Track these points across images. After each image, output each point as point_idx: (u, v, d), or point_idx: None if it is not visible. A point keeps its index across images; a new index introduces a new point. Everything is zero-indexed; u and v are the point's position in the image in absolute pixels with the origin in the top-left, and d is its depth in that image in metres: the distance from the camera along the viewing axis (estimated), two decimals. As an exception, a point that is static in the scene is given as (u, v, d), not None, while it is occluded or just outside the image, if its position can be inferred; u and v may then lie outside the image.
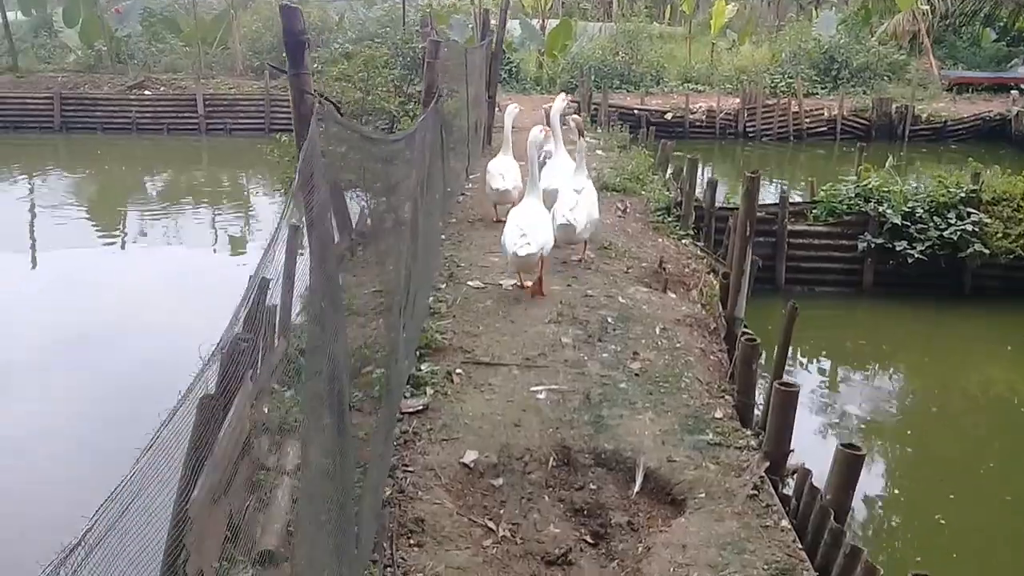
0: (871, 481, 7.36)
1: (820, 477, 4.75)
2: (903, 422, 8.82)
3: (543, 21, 30.56)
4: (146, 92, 23.44)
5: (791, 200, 11.58)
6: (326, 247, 3.36)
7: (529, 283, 7.92)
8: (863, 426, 8.55)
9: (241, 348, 4.19)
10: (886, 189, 11.21)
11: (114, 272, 13.20)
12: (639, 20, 29.10)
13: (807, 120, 23.22)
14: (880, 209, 11.03)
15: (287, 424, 5.64)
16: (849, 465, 4.24)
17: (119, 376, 8.82)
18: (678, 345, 6.92)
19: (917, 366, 10.20)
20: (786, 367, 6.01)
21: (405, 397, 5.87)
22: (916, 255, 10.77)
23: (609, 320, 7.24)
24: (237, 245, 14.82)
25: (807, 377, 9.84)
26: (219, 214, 16.99)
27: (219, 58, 26.03)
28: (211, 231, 15.94)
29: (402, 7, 19.70)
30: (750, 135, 23.18)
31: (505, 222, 7.93)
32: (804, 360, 10.58)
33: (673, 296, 8.33)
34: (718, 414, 5.78)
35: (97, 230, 16.04)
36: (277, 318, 7.04)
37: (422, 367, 6.30)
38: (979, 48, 30.56)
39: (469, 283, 8.21)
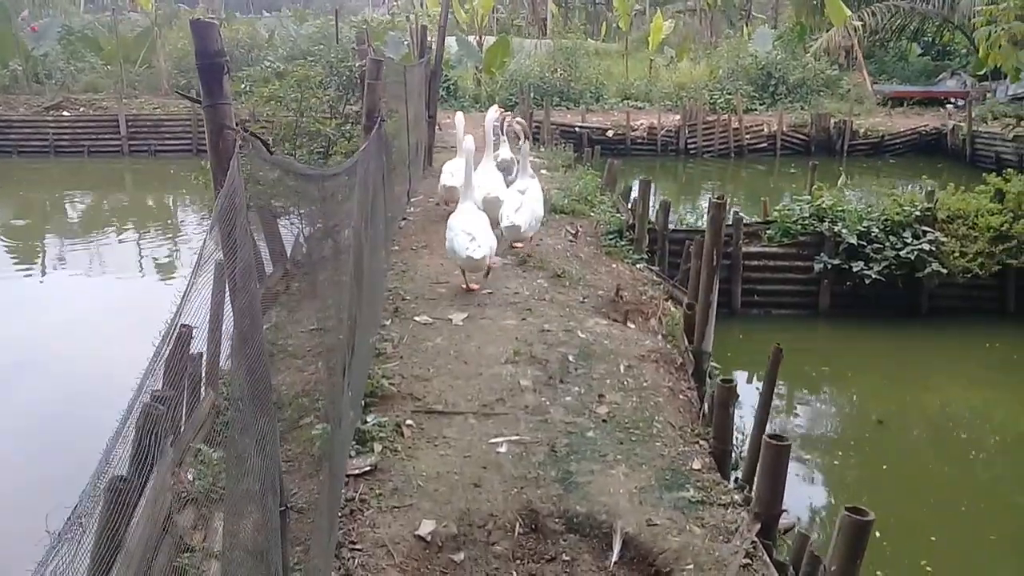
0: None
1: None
2: (865, 446, 8.49)
3: (480, 38, 30.16)
4: (64, 113, 22.33)
5: (743, 220, 11.23)
6: (252, 323, 2.77)
7: (475, 285, 8.39)
8: (825, 456, 8.17)
9: (157, 415, 3.54)
10: (840, 208, 10.95)
11: (32, 302, 12.27)
12: (576, 36, 28.86)
13: (747, 136, 23.18)
14: (835, 229, 10.75)
15: (215, 492, 4.97)
16: (857, 532, 3.77)
17: (31, 415, 8.05)
18: (645, 384, 6.42)
19: (877, 389, 9.89)
20: (769, 408, 5.53)
21: (350, 456, 5.25)
22: (873, 275, 10.50)
23: (570, 358, 6.72)
24: (166, 271, 13.95)
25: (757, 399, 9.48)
26: (146, 240, 16.06)
27: (143, 77, 24.96)
28: (138, 258, 15.02)
29: (335, 24, 18.99)
30: (691, 152, 23.04)
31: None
32: (759, 385, 10.22)
33: (633, 327, 7.85)
34: (696, 464, 5.28)
35: (14, 259, 15.00)
36: (203, 368, 6.38)
37: (368, 419, 5.68)
38: (907, 63, 31.10)
39: (416, 318, 7.62)
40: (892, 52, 31.22)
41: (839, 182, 12.31)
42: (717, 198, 6.61)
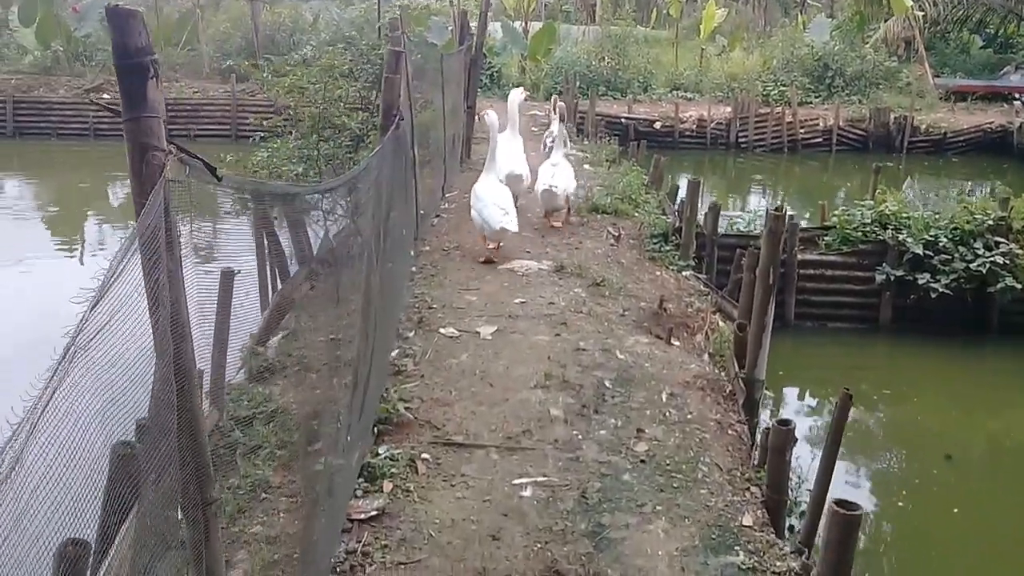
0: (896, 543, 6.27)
1: None
2: (924, 473, 7.76)
3: (526, 24, 29.37)
4: (104, 96, 22.05)
5: (799, 225, 10.46)
6: (183, 391, 2.20)
7: (497, 252, 8.82)
8: (886, 496, 7.44)
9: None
10: (905, 215, 10.14)
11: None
12: (625, 23, 27.90)
13: (801, 130, 22.23)
14: (899, 237, 9.95)
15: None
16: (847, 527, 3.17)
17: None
18: (689, 416, 5.78)
19: (943, 415, 9.11)
20: (834, 462, 4.85)
21: (356, 496, 4.70)
22: (940, 289, 9.70)
23: (606, 384, 6.09)
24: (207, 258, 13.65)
25: (816, 422, 8.79)
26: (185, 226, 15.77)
27: (185, 60, 24.65)
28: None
29: (378, 7, 18.41)
30: (742, 146, 22.16)
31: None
32: (813, 403, 9.51)
33: (678, 345, 7.19)
34: (747, 520, 4.64)
35: (55, 242, 14.93)
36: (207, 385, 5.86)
37: (380, 450, 5.13)
38: (968, 55, 29.67)
39: (442, 330, 7.04)
40: (953, 44, 29.81)
41: (903, 185, 11.45)
42: (776, 209, 5.93)
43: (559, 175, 9.63)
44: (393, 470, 4.92)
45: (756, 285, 6.09)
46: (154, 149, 1.93)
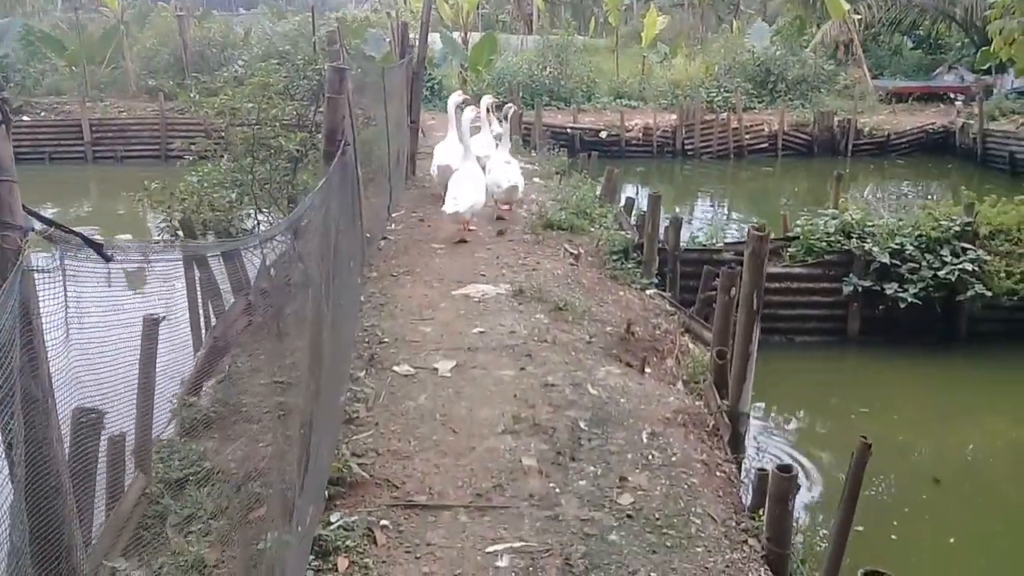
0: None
1: None
2: (898, 490, 7.39)
3: (465, 34, 28.87)
4: (24, 118, 20.96)
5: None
6: None
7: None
8: (870, 508, 7.02)
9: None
10: (870, 223, 9.82)
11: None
12: (564, 32, 27.51)
13: (747, 136, 22.11)
14: (865, 247, 9.63)
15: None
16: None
17: None
18: (674, 458, 5.26)
19: (920, 429, 8.78)
20: (851, 522, 4.36)
21: (307, 577, 4.08)
22: (909, 299, 9.39)
23: (581, 425, 5.55)
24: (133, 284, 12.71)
25: (785, 438, 8.41)
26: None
27: (110, 78, 23.57)
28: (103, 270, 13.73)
29: (312, 20, 17.68)
30: (689, 153, 21.94)
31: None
32: (783, 419, 9.13)
33: (650, 373, 6.69)
34: (750, 582, 4.13)
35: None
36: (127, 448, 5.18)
37: (332, 519, 4.51)
38: (901, 57, 30.01)
39: (396, 368, 6.43)
40: (885, 47, 30.14)
41: (865, 191, 11.19)
42: (758, 228, 5.47)
43: (512, 171, 10.41)
44: (348, 542, 4.30)
45: (738, 310, 5.62)
46: (5, 227, 1.32)
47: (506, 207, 10.79)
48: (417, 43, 13.54)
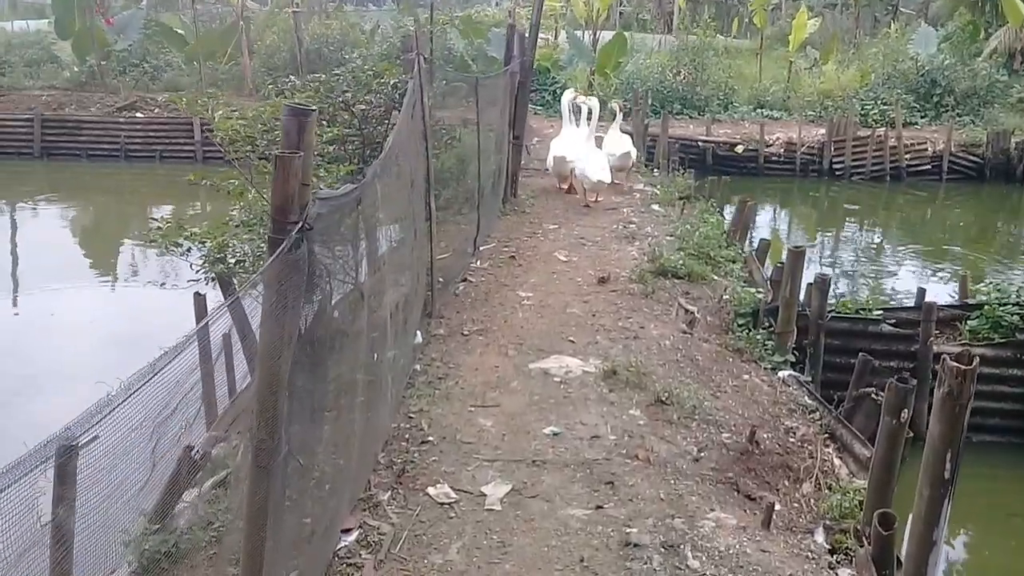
0: None
1: None
2: None
3: (595, 34, 27.00)
4: (138, 114, 20.62)
5: (935, 304, 7.96)
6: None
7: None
8: None
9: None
10: (1082, 292, 7.59)
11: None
12: (704, 33, 25.20)
13: (907, 156, 19.44)
14: (1074, 323, 7.41)
15: None
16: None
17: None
18: None
19: None
20: None
21: None
22: None
23: (669, 629, 3.81)
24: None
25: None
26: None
27: (228, 75, 23.01)
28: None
29: (430, 16, 16.23)
30: (837, 173, 19.49)
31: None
32: (953, 542, 7.04)
33: (778, 525, 4.84)
34: None
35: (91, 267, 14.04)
36: None
37: None
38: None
39: (431, 490, 4.85)
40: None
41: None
42: (957, 358, 3.59)
43: (626, 140, 12.73)
44: None
45: (919, 479, 3.74)
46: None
47: (621, 172, 12.53)
48: (527, 47, 11.91)
